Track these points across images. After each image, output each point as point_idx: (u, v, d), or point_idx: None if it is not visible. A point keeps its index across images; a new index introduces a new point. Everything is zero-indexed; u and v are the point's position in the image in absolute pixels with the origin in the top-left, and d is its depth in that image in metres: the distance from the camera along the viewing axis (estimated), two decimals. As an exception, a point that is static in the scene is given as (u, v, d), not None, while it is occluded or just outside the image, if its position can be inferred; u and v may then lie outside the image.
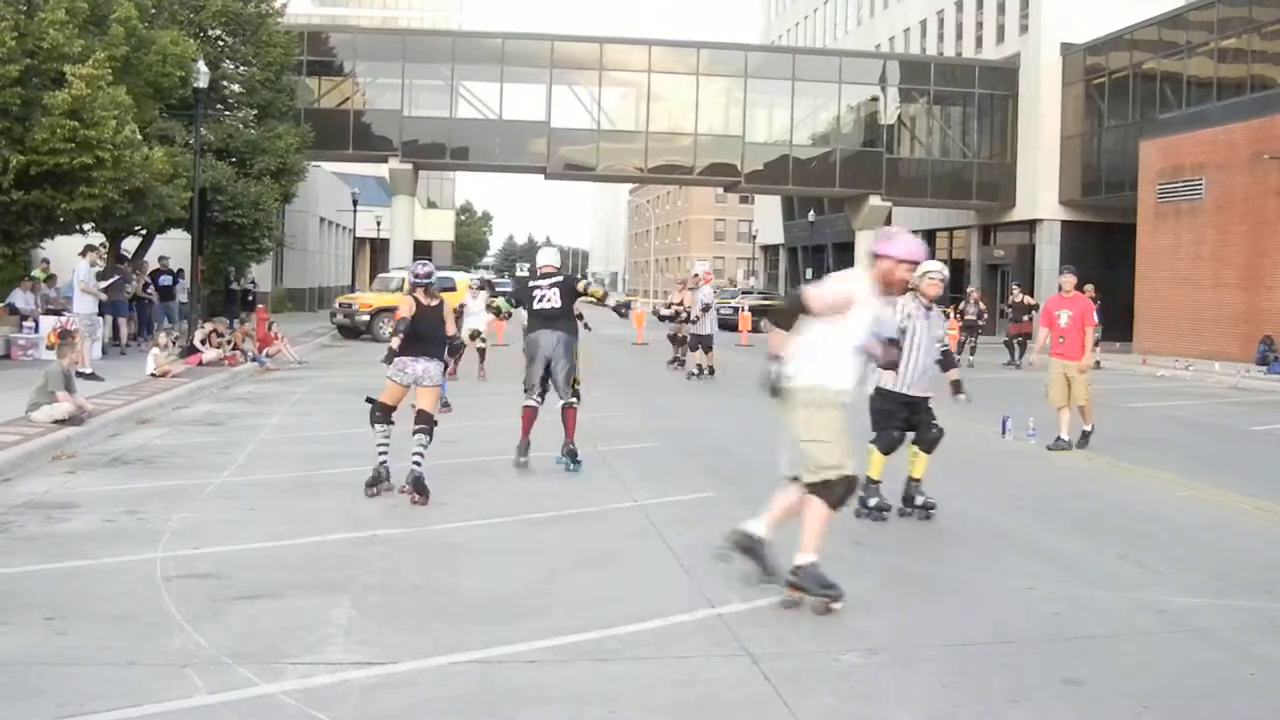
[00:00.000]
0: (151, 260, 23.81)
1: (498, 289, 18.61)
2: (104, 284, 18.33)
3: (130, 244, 23.43)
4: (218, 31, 27.09)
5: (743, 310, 34.79)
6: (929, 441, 8.06)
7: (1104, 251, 35.00)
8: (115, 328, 19.60)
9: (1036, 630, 5.49)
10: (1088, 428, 11.78)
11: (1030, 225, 38.88)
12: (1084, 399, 11.72)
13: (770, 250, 64.92)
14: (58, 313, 17.68)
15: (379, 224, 51.02)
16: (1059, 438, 11.57)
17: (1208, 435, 13.34)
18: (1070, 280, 12.02)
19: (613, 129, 39.36)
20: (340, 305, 29.28)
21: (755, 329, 30.39)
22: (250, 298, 29.02)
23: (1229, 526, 8.23)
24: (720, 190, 72.14)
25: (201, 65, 20.19)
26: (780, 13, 65.35)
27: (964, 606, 5.87)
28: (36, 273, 19.53)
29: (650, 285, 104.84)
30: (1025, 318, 25.12)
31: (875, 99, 40.95)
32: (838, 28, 55.64)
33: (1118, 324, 28.19)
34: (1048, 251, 37.75)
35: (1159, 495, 9.39)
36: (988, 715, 4.40)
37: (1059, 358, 11.72)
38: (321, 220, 49.50)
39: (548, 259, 10.44)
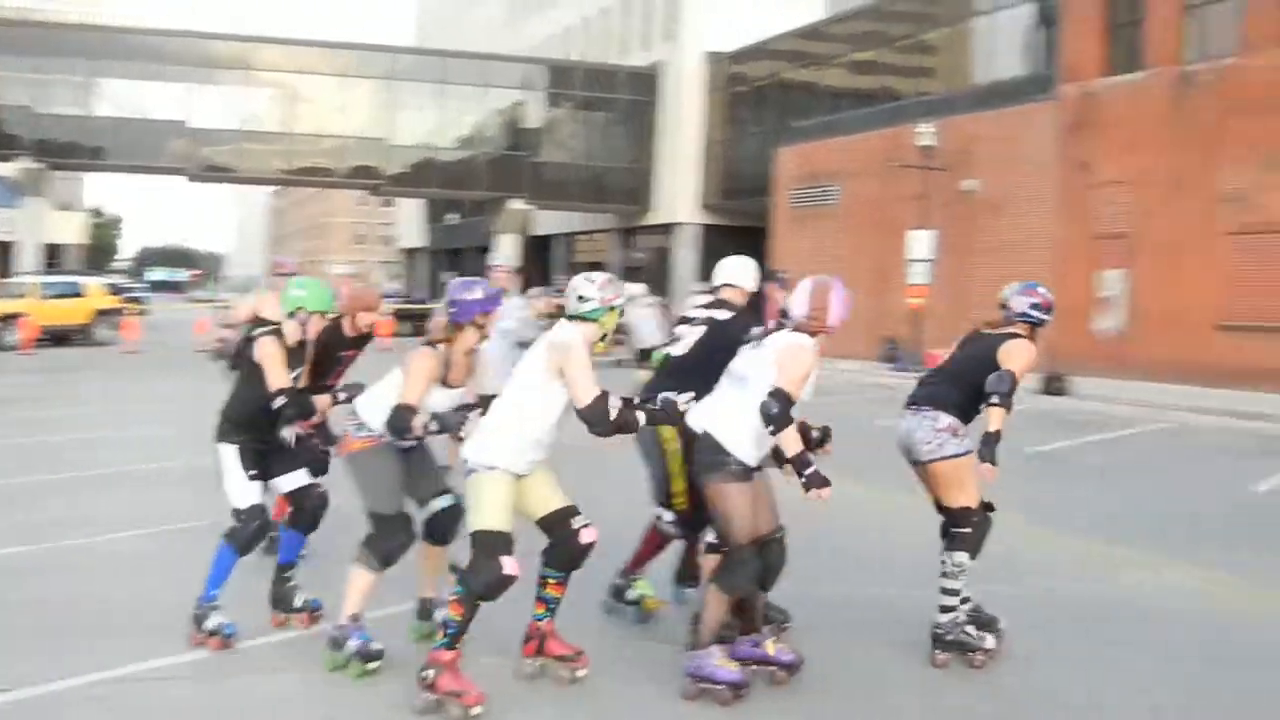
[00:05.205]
0: None
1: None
2: None
3: None
4: None
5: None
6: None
7: (742, 253, 34.51)
8: None
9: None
10: None
11: (668, 228, 38.27)
12: None
13: (412, 253, 61.61)
14: None
15: (-1, 227, 44.34)
16: None
17: (845, 426, 11.51)
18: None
19: (257, 130, 37.89)
20: None
21: (396, 334, 26.32)
22: None
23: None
24: (365, 193, 68.09)
25: None
26: (432, 13, 62.16)
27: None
28: None
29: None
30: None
31: (521, 103, 40.26)
32: (489, 31, 53.20)
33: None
34: (684, 254, 37.17)
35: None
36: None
37: None
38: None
39: (742, 276, 5.82)
